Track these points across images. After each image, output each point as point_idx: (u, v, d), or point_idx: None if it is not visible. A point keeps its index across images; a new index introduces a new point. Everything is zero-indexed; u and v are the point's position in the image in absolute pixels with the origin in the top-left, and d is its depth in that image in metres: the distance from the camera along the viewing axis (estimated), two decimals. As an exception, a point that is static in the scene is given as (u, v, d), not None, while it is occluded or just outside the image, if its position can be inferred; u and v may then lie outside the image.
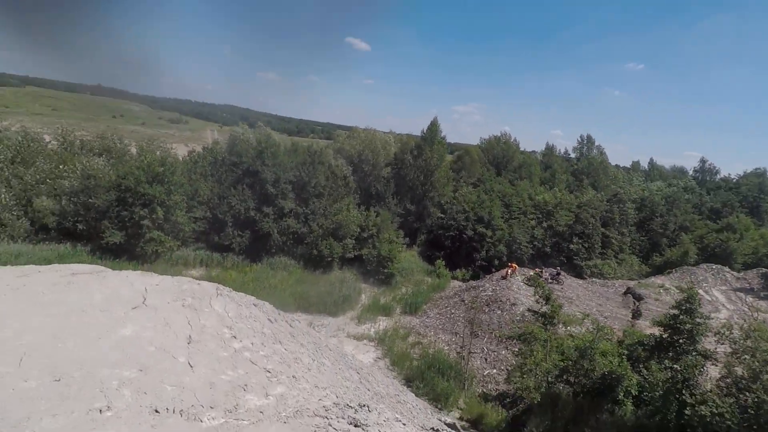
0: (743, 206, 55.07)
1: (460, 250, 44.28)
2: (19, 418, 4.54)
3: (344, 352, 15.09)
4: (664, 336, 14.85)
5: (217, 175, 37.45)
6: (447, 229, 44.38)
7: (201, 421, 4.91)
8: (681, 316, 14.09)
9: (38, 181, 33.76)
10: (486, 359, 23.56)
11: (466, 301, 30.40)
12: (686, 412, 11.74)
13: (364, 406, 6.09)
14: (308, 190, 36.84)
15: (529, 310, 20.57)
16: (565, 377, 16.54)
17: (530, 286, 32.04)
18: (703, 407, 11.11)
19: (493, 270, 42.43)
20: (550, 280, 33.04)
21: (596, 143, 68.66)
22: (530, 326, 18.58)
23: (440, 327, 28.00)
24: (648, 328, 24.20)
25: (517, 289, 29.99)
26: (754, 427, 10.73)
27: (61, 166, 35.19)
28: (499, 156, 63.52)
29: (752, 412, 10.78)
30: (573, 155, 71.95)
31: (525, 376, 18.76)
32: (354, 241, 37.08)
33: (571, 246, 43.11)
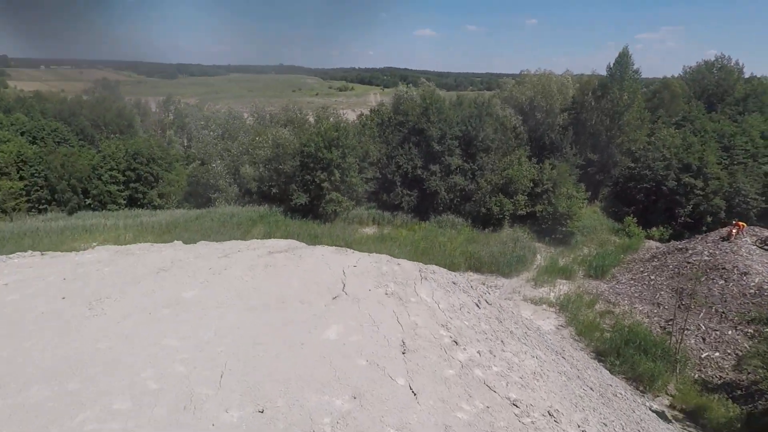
0: None
1: (656, 205, 37.21)
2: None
3: (535, 326, 13.45)
4: None
5: (385, 136, 38.22)
6: (640, 180, 37.57)
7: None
8: None
9: (241, 152, 39.42)
10: (704, 339, 19.14)
11: (671, 266, 25.27)
12: None
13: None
14: (475, 144, 34.89)
15: None
16: None
17: (765, 249, 25.05)
18: None
19: (704, 229, 34.61)
20: (796, 244, 25.17)
21: None
22: None
23: (636, 295, 23.91)
24: None
25: (747, 254, 23.51)
26: None
27: (257, 138, 40.36)
28: (712, 86, 50.53)
29: None
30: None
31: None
32: (526, 197, 34.16)
33: (830, 198, 32.14)
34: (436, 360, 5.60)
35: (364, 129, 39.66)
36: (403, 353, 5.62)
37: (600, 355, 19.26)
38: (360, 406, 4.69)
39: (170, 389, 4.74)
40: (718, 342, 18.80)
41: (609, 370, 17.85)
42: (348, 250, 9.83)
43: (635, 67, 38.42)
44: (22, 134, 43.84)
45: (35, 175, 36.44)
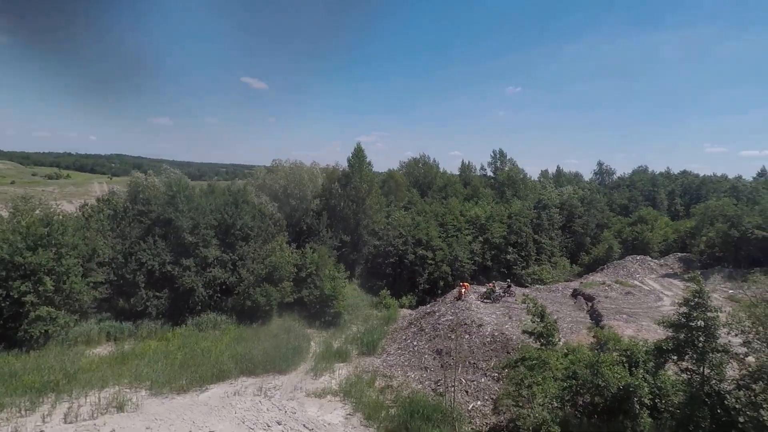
0: (644, 200, 60.80)
1: (402, 276, 42.48)
2: None
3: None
4: (678, 336, 13.92)
5: (119, 230, 31.81)
6: (386, 256, 42.44)
7: None
8: (693, 313, 13.30)
9: None
10: (467, 391, 21.39)
11: (427, 330, 28.28)
12: (740, 419, 10.59)
13: None
14: (233, 233, 32.63)
15: (524, 332, 18.80)
16: (573, 399, 14.90)
17: (486, 302, 31.00)
18: (764, 412, 9.98)
19: (439, 292, 41.13)
20: (502, 294, 32.33)
21: (508, 156, 72.41)
22: (528, 349, 16.75)
23: (406, 364, 25.40)
24: (618, 329, 23.97)
25: (476, 309, 28.57)
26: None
27: None
28: (421, 178, 63.67)
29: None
30: (488, 170, 75.05)
31: (521, 404, 16.93)
32: (291, 284, 33.41)
33: (508, 256, 43.46)
34: None
35: (89, 222, 32.18)
36: None
37: (390, 435, 18.96)
38: None
39: None
40: (478, 391, 21.28)
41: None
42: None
43: (368, 160, 44.78)
44: None
45: None
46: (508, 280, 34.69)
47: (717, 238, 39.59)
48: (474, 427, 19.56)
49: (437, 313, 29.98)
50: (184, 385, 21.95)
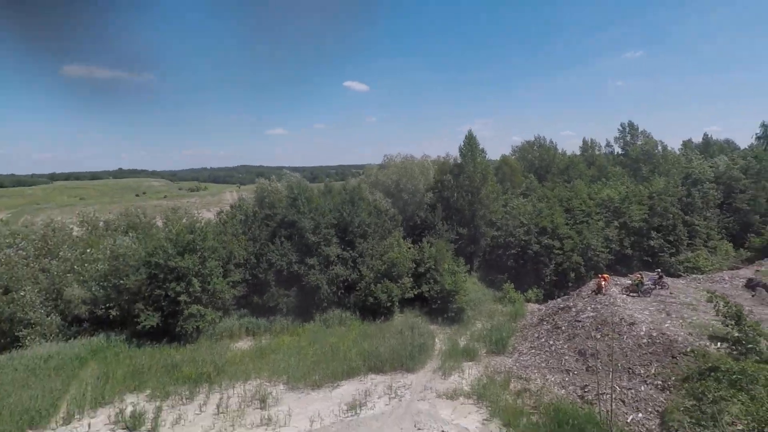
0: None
1: (525, 268, 39.44)
2: None
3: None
4: None
5: (251, 233, 34.20)
6: (506, 247, 39.75)
7: None
8: None
9: (65, 270, 31.05)
10: (624, 401, 18.40)
11: (563, 328, 25.40)
12: None
13: None
14: (352, 231, 33.05)
15: (710, 337, 15.44)
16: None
17: (632, 296, 26.99)
18: None
19: (570, 285, 37.31)
20: (653, 286, 27.85)
21: (640, 129, 63.29)
22: (723, 359, 13.42)
23: (544, 365, 22.98)
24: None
25: (623, 304, 24.85)
26: None
27: (88, 250, 32.63)
28: (537, 161, 58.95)
29: None
30: (615, 147, 66.66)
31: (704, 423, 13.80)
32: (411, 279, 32.80)
33: (652, 242, 37.71)
34: None
35: (226, 227, 35.12)
36: None
37: (535, 447, 17.02)
38: None
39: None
40: (637, 401, 18.18)
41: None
42: None
43: (480, 147, 42.37)
44: None
45: None
46: (659, 270, 29.78)
47: None
48: (638, 443, 16.66)
49: (574, 309, 26.82)
50: (317, 381, 22.46)
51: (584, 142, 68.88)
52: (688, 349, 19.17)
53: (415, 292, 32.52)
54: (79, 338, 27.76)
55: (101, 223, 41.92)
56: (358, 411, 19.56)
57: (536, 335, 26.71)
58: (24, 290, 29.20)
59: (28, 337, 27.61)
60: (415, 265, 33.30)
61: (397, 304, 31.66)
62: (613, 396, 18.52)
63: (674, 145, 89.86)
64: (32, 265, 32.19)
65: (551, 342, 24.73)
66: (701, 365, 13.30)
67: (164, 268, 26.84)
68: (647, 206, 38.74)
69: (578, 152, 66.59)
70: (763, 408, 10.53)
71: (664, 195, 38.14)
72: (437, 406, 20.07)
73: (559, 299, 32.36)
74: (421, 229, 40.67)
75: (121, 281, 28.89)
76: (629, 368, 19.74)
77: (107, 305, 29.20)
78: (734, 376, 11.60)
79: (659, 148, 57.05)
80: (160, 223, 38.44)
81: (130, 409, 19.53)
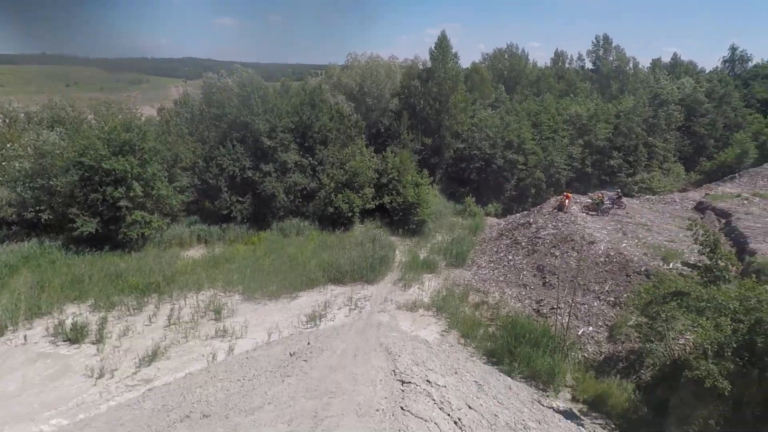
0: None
1: (487, 182, 39.18)
2: None
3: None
4: None
5: (198, 134, 31.03)
6: (471, 160, 38.90)
7: None
8: None
9: (-21, 169, 27.32)
10: (576, 315, 19.07)
11: (524, 243, 25.67)
12: None
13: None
14: (311, 136, 30.66)
15: (683, 263, 15.38)
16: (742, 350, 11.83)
17: (591, 215, 27.37)
18: None
19: (530, 200, 37.69)
20: (611, 206, 28.30)
21: (614, 44, 61.04)
22: (692, 285, 13.20)
23: (501, 279, 23.38)
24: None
25: (584, 223, 25.13)
26: None
27: (9, 146, 28.72)
28: (507, 72, 56.41)
29: None
30: (587, 61, 64.61)
31: (652, 339, 14.34)
32: (373, 190, 31.65)
33: (612, 162, 38.05)
34: None
35: (169, 127, 31.60)
36: None
37: (491, 356, 17.55)
38: None
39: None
40: (589, 316, 18.93)
41: (508, 374, 16.21)
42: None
43: (454, 50, 39.32)
44: None
45: None
46: (618, 190, 30.16)
47: None
48: (585, 354, 17.54)
49: (534, 225, 27.00)
50: (274, 292, 21.76)
51: (555, 53, 66.33)
52: (642, 269, 19.79)
53: (377, 203, 31.62)
54: (6, 244, 25.20)
55: (22, 115, 36.81)
56: (318, 322, 19.19)
57: (495, 249, 26.99)
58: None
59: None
60: (377, 176, 31.98)
61: (357, 214, 30.78)
62: (567, 310, 19.12)
63: (644, 63, 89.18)
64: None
65: (510, 257, 25.04)
66: (665, 289, 13.40)
67: (98, 170, 23.94)
68: (613, 125, 38.44)
69: (549, 65, 64.39)
70: (724, 334, 10.69)
71: (631, 114, 37.77)
72: (397, 318, 20.11)
73: (518, 214, 32.63)
74: (384, 138, 38.74)
75: (51, 182, 25.84)
76: (585, 285, 20.30)
77: (37, 208, 26.36)
78: (702, 303, 11.69)
79: (630, 65, 55.87)
80: (92, 119, 34.05)
81: (71, 320, 18.12)
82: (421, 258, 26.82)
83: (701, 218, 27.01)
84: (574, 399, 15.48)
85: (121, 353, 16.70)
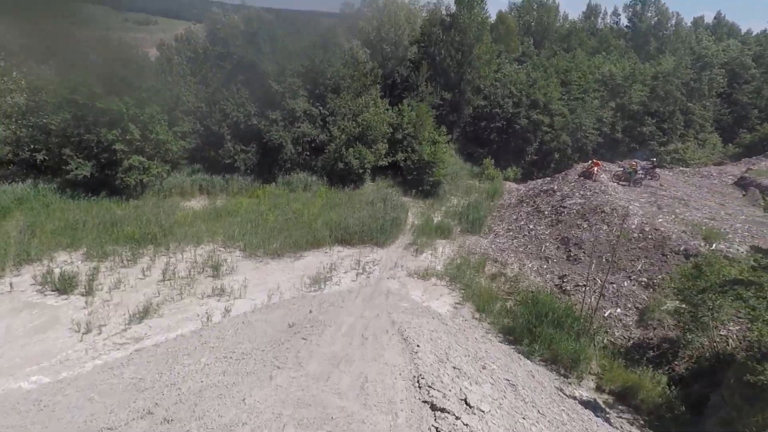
0: None
1: (508, 144, 36.75)
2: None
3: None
4: None
5: (201, 75, 28.71)
6: (491, 119, 36.32)
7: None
8: None
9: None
10: (604, 294, 17.51)
11: (546, 213, 23.83)
12: None
13: None
14: (323, 83, 28.26)
15: (753, 248, 13.48)
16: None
17: (623, 185, 25.28)
18: None
19: (553, 166, 35.41)
20: (643, 176, 26.12)
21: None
22: (734, 268, 11.63)
23: (521, 250, 21.75)
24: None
25: (615, 193, 23.11)
26: None
27: (3, 79, 26.86)
28: (535, 24, 52.21)
29: None
30: (622, 17, 59.64)
31: (693, 330, 12.80)
32: (386, 146, 29.56)
33: (644, 128, 35.29)
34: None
35: (171, 66, 29.26)
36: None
37: (508, 334, 16.22)
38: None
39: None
40: (618, 297, 17.38)
41: (527, 356, 14.89)
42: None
43: (481, -4, 35.68)
44: None
45: None
46: (654, 159, 27.79)
47: None
48: (612, 338, 16.11)
49: (559, 193, 25.04)
50: (277, 249, 20.36)
51: (588, 7, 61.23)
52: (681, 249, 17.99)
53: (390, 160, 29.64)
54: (1, 184, 23.85)
55: (17, 48, 34.56)
56: (323, 286, 17.88)
57: (515, 217, 25.22)
58: None
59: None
60: (392, 131, 29.78)
61: (369, 171, 28.91)
62: (594, 288, 17.56)
63: (686, 20, 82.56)
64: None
65: (531, 226, 23.29)
66: (714, 276, 11.73)
67: (91, 108, 22.06)
68: (649, 88, 35.33)
69: (581, 18, 59.54)
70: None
71: (671, 77, 34.56)
72: (408, 286, 18.73)
73: (540, 180, 30.61)
74: (401, 90, 36.07)
75: (45, 120, 24.10)
76: (614, 262, 18.60)
77: (32, 147, 24.78)
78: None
79: (672, 22, 51.33)
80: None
81: (60, 269, 16.93)
82: (435, 222, 25.18)
83: (743, 195, 24.85)
84: (599, 389, 14.19)
85: (112, 308, 15.56)
